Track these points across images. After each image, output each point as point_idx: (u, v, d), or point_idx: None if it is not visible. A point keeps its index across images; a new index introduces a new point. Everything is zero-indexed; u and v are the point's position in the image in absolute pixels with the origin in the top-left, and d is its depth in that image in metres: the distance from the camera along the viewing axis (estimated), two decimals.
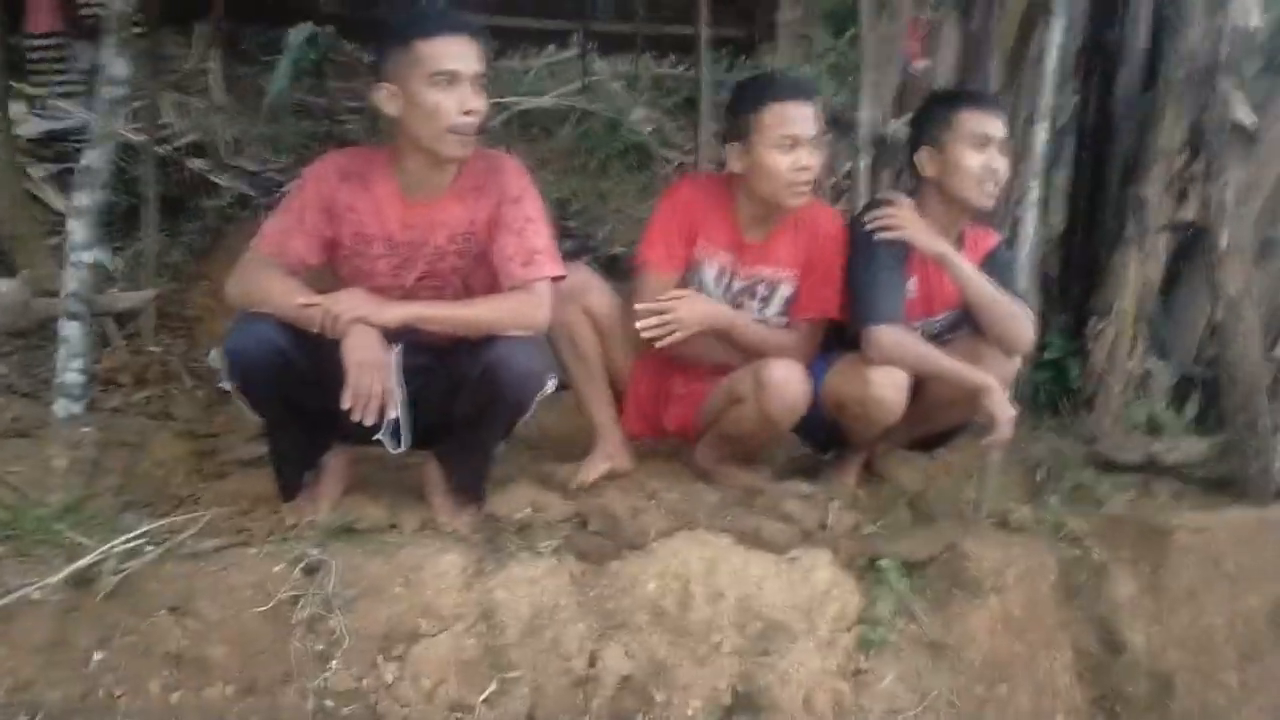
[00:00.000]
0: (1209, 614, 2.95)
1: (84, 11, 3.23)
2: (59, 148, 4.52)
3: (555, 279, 2.41)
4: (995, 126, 2.66)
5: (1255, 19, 3.18)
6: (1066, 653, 2.74)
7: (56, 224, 4.23)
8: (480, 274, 2.46)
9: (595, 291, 2.65)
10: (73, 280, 2.83)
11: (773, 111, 2.60)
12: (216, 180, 4.52)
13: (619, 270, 4.32)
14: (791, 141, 2.59)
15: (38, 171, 4.37)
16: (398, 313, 2.27)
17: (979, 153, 2.64)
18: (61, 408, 2.84)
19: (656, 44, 4.99)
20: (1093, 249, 3.84)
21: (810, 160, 2.61)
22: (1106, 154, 3.77)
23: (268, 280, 2.31)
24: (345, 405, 2.19)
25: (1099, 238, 3.81)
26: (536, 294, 2.37)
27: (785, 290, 2.76)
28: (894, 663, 2.52)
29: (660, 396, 2.86)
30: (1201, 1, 3.39)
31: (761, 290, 2.76)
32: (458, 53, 2.28)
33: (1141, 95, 3.74)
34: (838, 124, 6.75)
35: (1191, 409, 4.14)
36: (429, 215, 2.40)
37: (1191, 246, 4.06)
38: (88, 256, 2.85)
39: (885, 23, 7.60)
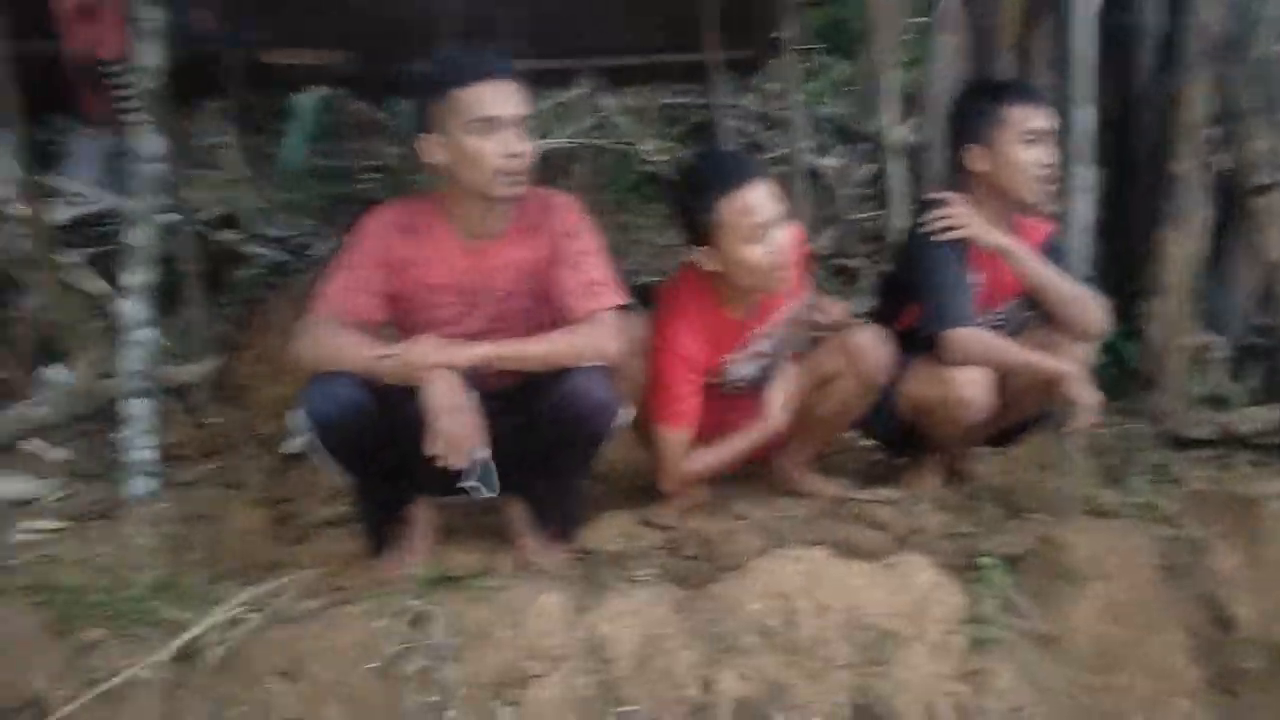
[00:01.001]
0: None
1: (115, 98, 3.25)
2: (89, 232, 4.55)
3: (619, 308, 2.40)
4: (1044, 120, 2.64)
5: None
6: (1177, 634, 2.68)
7: (94, 309, 4.26)
8: (543, 312, 2.45)
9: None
10: (133, 359, 2.83)
11: (729, 206, 2.47)
12: (246, 251, 4.53)
13: (650, 299, 4.33)
14: (760, 228, 2.46)
15: (70, 257, 4.39)
16: (473, 353, 2.26)
17: (1031, 148, 2.63)
18: (137, 485, 2.83)
19: (661, 74, 5.00)
20: (1128, 231, 3.82)
21: (783, 239, 2.49)
22: (1130, 136, 3.76)
23: (335, 338, 2.29)
24: (430, 452, 2.17)
25: (1134, 219, 3.79)
26: (604, 324, 2.35)
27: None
28: (1008, 660, 2.47)
29: (725, 427, 2.82)
30: None
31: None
32: (494, 98, 2.27)
33: (1161, 74, 3.75)
34: (845, 134, 6.82)
35: (1253, 379, 4.13)
36: (489, 258, 2.39)
37: (1229, 218, 4.07)
38: (143, 334, 2.85)
39: (879, 29, 7.67)
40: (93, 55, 2.85)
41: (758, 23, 4.65)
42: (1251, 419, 3.53)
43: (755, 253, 2.47)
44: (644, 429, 2.62)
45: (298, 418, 2.28)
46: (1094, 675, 2.54)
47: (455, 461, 2.19)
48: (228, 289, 4.45)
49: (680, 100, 6.46)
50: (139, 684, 2.11)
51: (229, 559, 2.72)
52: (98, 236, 4.69)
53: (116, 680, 2.10)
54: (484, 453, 2.22)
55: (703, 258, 2.54)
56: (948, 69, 5.61)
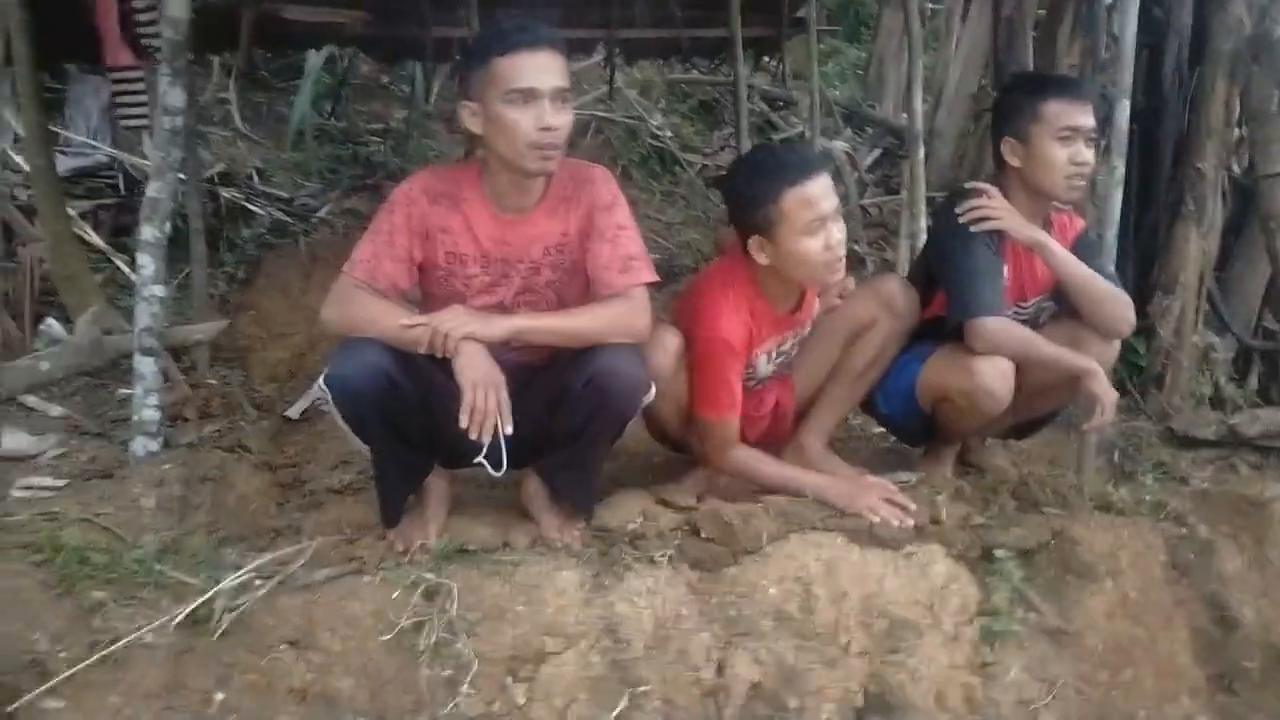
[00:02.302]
0: None
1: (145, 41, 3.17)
2: (89, 184, 4.46)
3: (650, 284, 2.37)
4: (1082, 117, 2.59)
5: None
6: (1183, 632, 2.70)
7: (95, 261, 4.19)
8: (574, 285, 2.42)
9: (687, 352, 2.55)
10: (145, 315, 2.77)
11: (793, 197, 2.41)
12: (252, 208, 4.45)
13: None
14: (820, 221, 2.42)
15: (72, 209, 4.31)
16: (505, 326, 2.23)
17: (1066, 146, 2.59)
18: (140, 445, 2.78)
19: (677, 49, 4.96)
20: (1149, 226, 3.81)
21: (840, 233, 2.45)
22: (1156, 132, 3.75)
23: (365, 305, 2.26)
24: (463, 424, 2.14)
25: (1155, 215, 3.78)
26: (636, 300, 2.33)
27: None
28: (1019, 653, 2.48)
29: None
30: None
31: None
32: (534, 69, 2.22)
33: (1189, 72, 3.73)
34: (853, 119, 6.77)
35: (1253, 381, 4.15)
36: (522, 229, 2.36)
37: (1242, 220, 4.08)
38: (159, 290, 2.79)
39: (889, 13, 7.63)
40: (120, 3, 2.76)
41: (779, 2, 4.60)
42: (1260, 420, 3.54)
43: (813, 246, 2.42)
44: (660, 416, 2.59)
45: (320, 382, 2.23)
46: (1103, 671, 2.55)
47: (485, 436, 2.15)
48: (231, 247, 4.38)
49: (688, 76, 6.41)
50: (144, 648, 2.06)
51: (233, 523, 2.67)
52: (95, 189, 4.61)
53: (121, 644, 2.05)
54: (510, 427, 2.18)
55: (754, 248, 2.49)
56: (965, 57, 5.61)
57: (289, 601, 2.18)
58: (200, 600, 2.14)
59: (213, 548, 2.45)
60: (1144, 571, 2.70)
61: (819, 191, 2.41)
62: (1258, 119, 3.60)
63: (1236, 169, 4.10)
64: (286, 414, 3.46)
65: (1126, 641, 2.60)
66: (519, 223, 2.35)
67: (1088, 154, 2.60)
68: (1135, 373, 3.79)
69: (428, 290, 2.40)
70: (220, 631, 2.11)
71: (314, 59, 5.20)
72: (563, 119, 2.25)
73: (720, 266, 2.63)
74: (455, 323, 2.19)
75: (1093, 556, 2.62)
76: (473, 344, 2.18)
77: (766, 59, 5.36)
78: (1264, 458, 3.52)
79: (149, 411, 2.78)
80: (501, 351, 2.26)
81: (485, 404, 2.15)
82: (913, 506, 2.51)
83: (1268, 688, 2.78)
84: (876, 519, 2.46)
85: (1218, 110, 3.63)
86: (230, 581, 2.19)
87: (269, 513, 2.75)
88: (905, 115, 6.93)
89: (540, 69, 2.22)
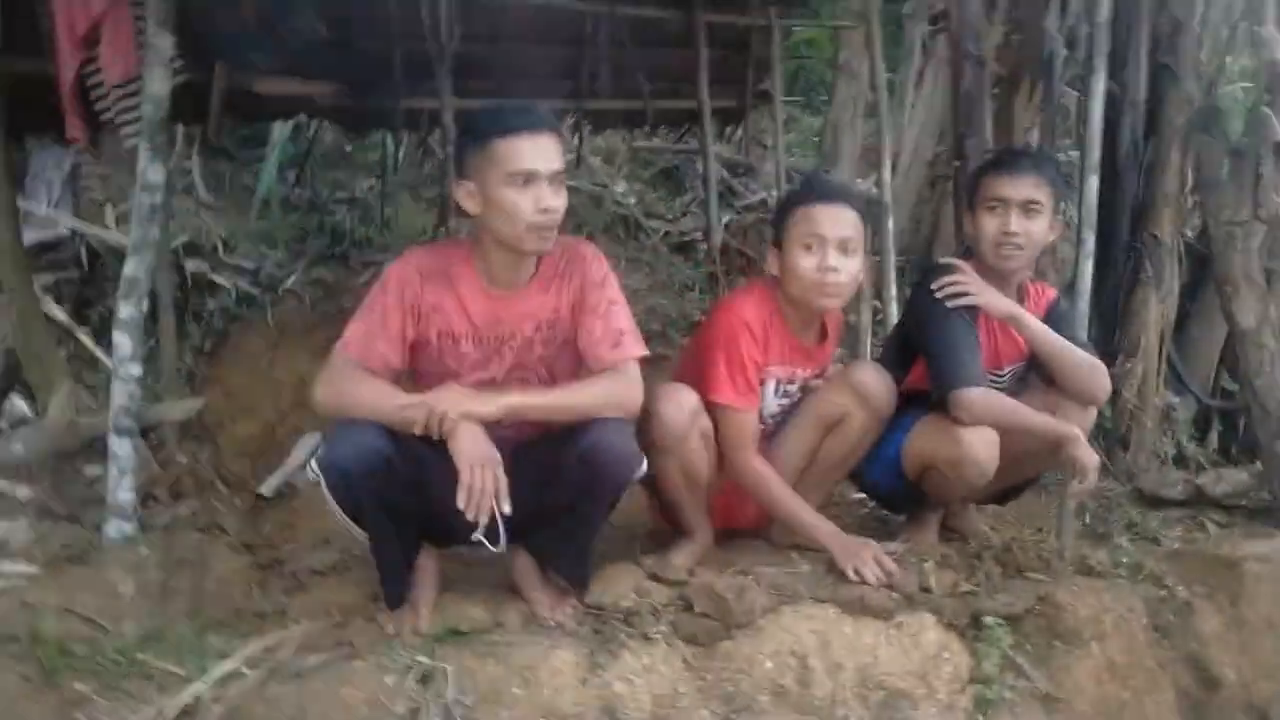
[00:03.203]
0: None
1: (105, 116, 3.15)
2: (50, 257, 4.39)
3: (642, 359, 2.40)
4: (1009, 189, 2.68)
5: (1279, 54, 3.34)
6: (1168, 694, 2.74)
7: (58, 338, 4.11)
8: (565, 360, 2.44)
9: (703, 415, 2.56)
10: (121, 394, 2.73)
11: (804, 212, 2.60)
12: (217, 280, 4.41)
13: None
14: (820, 242, 2.56)
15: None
16: (501, 404, 2.23)
17: (994, 216, 2.69)
18: (114, 528, 2.72)
19: (645, 119, 5.05)
20: (1109, 292, 3.91)
21: (837, 262, 2.55)
22: (1114, 201, 3.86)
23: (358, 385, 2.25)
24: (460, 504, 2.13)
25: (1115, 281, 3.89)
26: (628, 375, 2.35)
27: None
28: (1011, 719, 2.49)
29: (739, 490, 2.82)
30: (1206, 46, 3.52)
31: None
32: (534, 151, 2.25)
33: (1144, 143, 3.87)
34: None
35: (1213, 439, 4.26)
36: (514, 306, 2.37)
37: (1197, 284, 4.21)
38: (135, 369, 2.75)
39: (844, 83, 7.84)
40: (90, 78, 2.76)
41: (744, 75, 4.72)
42: (1225, 480, 3.62)
43: (806, 262, 2.55)
44: (665, 479, 2.59)
45: (312, 464, 2.21)
46: None
47: (482, 516, 2.14)
48: (193, 320, 4.32)
49: (650, 144, 6.51)
50: None
51: (215, 608, 2.62)
52: (57, 262, 4.54)
53: None
54: (508, 507, 2.17)
55: (771, 260, 2.66)
56: (920, 125, 5.76)
57: (280, 690, 2.13)
58: (188, 690, 2.09)
59: (196, 635, 2.38)
60: (1127, 634, 2.73)
61: (823, 215, 2.57)
62: (1208, 186, 3.73)
63: (1189, 234, 4.23)
64: (260, 491, 3.41)
65: (1115, 705, 2.63)
66: (511, 299, 2.37)
67: (1018, 224, 2.67)
68: (1101, 434, 3.86)
69: (419, 368, 2.40)
70: None
71: (280, 128, 5.21)
72: (560, 200, 2.29)
73: (749, 284, 2.76)
74: (451, 402, 2.18)
75: (1077, 621, 2.65)
76: (469, 423, 2.17)
77: (730, 128, 5.47)
78: (1230, 516, 3.59)
79: (124, 494, 2.74)
80: (494, 428, 2.26)
81: (483, 484, 2.14)
82: (898, 573, 2.54)
83: None
84: (858, 579, 2.50)
85: (1172, 179, 3.76)
86: (218, 671, 2.14)
87: (251, 596, 2.69)
88: (860, 181, 7.14)
89: (540, 152, 2.25)
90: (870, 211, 3.44)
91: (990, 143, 4.09)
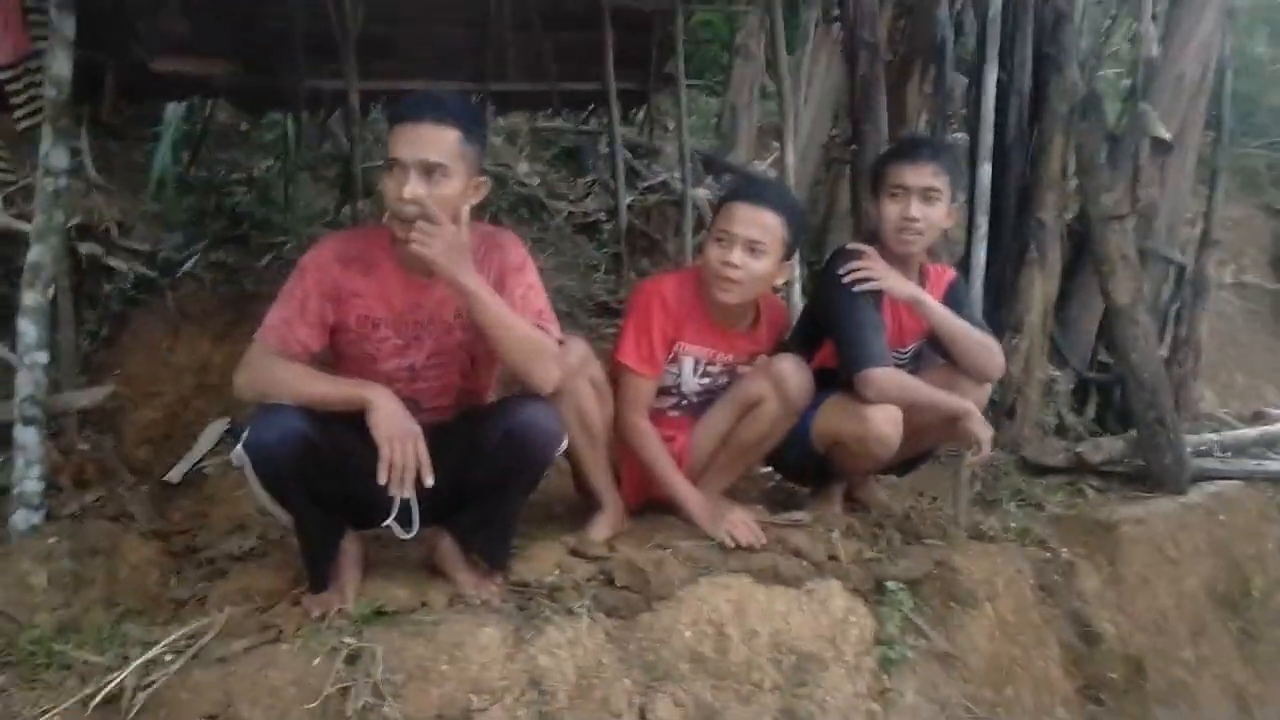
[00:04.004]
0: (1161, 597, 3.23)
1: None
2: None
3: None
4: (911, 176, 2.81)
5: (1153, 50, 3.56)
6: (1054, 649, 2.94)
7: None
8: (482, 347, 2.47)
9: (594, 364, 2.67)
10: (28, 384, 2.67)
11: (726, 207, 2.74)
12: (112, 264, 4.28)
13: None
14: (729, 236, 2.68)
15: None
16: (472, 281, 2.23)
17: (895, 202, 2.83)
18: (22, 519, 2.67)
19: (550, 101, 5.06)
20: (996, 272, 4.12)
21: (742, 260, 2.66)
22: (1001, 185, 4.06)
23: (278, 370, 2.26)
24: (381, 480, 2.16)
25: (1002, 261, 4.09)
26: (551, 347, 2.40)
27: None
28: (912, 678, 2.64)
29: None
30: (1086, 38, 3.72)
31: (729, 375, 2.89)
32: (405, 139, 2.25)
33: (1030, 130, 4.07)
34: (711, 167, 7.02)
35: (1090, 410, 4.53)
36: (434, 292, 2.40)
37: (1077, 264, 4.45)
38: (41, 357, 2.69)
39: (740, 65, 7.96)
40: None
41: (647, 58, 4.78)
42: (1103, 448, 3.86)
43: (713, 253, 2.71)
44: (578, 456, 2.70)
45: (238, 448, 2.21)
46: (988, 689, 2.75)
47: (405, 491, 2.18)
48: (89, 305, 4.20)
49: (553, 124, 6.51)
50: None
51: (130, 597, 2.59)
52: None
53: None
54: (430, 480, 2.21)
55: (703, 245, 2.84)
56: (816, 107, 5.90)
57: (204, 675, 2.13)
58: (111, 678, 2.08)
59: (113, 624, 2.37)
60: (1016, 594, 2.93)
61: (739, 213, 2.69)
62: (1088, 170, 3.95)
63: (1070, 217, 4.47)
64: (167, 478, 3.36)
65: (1006, 661, 2.81)
66: (431, 286, 2.39)
67: (917, 210, 2.80)
68: (989, 406, 4.07)
69: (339, 352, 2.42)
70: (135, 710, 2.05)
71: (174, 106, 5.06)
72: (424, 191, 2.22)
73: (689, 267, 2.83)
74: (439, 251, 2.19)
75: (972, 583, 2.83)
76: (387, 398, 2.21)
77: (633, 110, 5.52)
78: (1107, 481, 3.85)
79: (31, 483, 2.68)
80: (414, 409, 2.29)
81: (404, 458, 2.18)
82: (763, 538, 2.66)
83: (1129, 696, 3.05)
84: (733, 544, 2.62)
85: (1055, 164, 3.98)
86: (142, 658, 2.13)
87: (166, 584, 2.67)
88: (757, 163, 7.27)
89: (412, 140, 2.24)
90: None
91: (885, 126, 4.26)
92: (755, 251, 2.67)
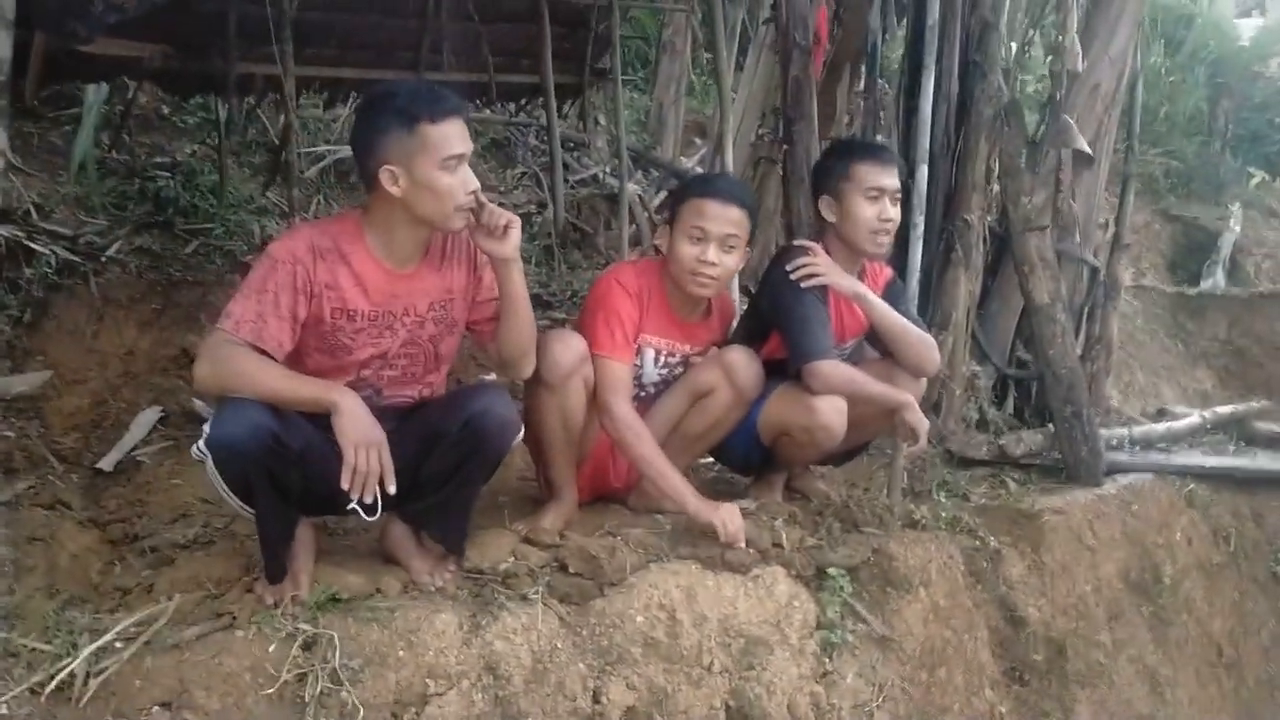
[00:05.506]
0: (1080, 584, 3.39)
1: None
2: None
3: None
4: (888, 178, 2.91)
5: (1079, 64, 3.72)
6: (983, 632, 3.07)
7: None
8: (450, 341, 2.54)
9: (589, 361, 2.71)
10: None
11: (696, 203, 2.80)
12: (33, 247, 4.15)
13: None
14: (701, 233, 2.77)
15: None
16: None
17: (873, 204, 2.91)
18: None
19: (485, 93, 5.06)
20: (923, 271, 4.26)
21: (713, 257, 2.76)
22: (928, 187, 4.19)
23: (242, 362, 2.22)
24: (344, 485, 2.17)
25: (929, 260, 4.23)
26: None
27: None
28: (852, 661, 2.75)
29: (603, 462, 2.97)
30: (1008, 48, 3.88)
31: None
32: (460, 135, 2.33)
33: (955, 134, 4.21)
34: (639, 162, 7.08)
35: (1009, 405, 4.70)
36: (410, 283, 2.42)
37: (998, 264, 4.62)
38: None
39: (667, 62, 8.02)
40: None
41: (582, 53, 4.81)
42: (1024, 441, 4.03)
43: (688, 250, 2.77)
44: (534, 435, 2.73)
45: (200, 444, 2.19)
46: (921, 671, 2.87)
47: (367, 496, 2.19)
48: (9, 289, 4.06)
49: (483, 115, 6.48)
50: None
51: (72, 584, 2.53)
52: None
53: None
54: (393, 486, 2.22)
55: (661, 237, 2.90)
56: (744, 105, 6.00)
57: (158, 662, 2.11)
58: (62, 665, 2.05)
59: (58, 611, 2.32)
60: (948, 580, 3.05)
61: (712, 210, 2.76)
62: (1010, 174, 4.11)
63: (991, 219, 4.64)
64: (99, 466, 3.28)
65: (939, 644, 2.93)
66: (407, 277, 2.41)
67: (893, 211, 2.92)
68: None
69: (309, 345, 2.38)
70: (86, 698, 2.02)
71: (96, 88, 4.91)
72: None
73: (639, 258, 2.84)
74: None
75: (907, 570, 2.94)
76: (354, 403, 2.22)
77: (568, 104, 5.55)
78: (1027, 473, 4.02)
79: None
80: (370, 397, 2.30)
81: (368, 465, 2.19)
82: (742, 540, 2.70)
83: (1052, 677, 3.21)
84: (724, 534, 2.66)
85: (979, 168, 4.12)
86: (92, 645, 2.10)
87: (108, 572, 2.62)
88: (683, 159, 7.35)
89: (464, 135, 2.35)
90: None
91: (816, 127, 4.36)
92: (729, 247, 2.75)
